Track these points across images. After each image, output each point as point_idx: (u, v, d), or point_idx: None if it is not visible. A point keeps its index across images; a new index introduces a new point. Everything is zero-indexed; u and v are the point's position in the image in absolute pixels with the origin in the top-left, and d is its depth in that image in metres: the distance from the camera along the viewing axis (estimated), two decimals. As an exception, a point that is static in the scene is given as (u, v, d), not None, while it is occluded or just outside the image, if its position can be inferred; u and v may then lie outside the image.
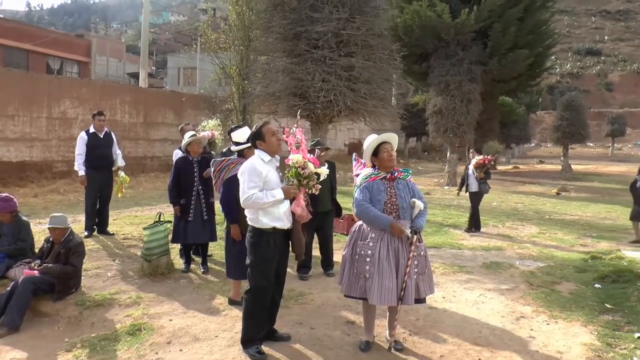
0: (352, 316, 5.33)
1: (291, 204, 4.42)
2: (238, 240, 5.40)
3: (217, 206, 6.10)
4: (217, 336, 4.84)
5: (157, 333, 4.93)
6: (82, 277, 6.18)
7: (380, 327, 4.90)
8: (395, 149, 4.57)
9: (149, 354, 4.52)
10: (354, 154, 5.19)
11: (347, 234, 9.23)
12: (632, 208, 10.26)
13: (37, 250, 6.28)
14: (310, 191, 4.46)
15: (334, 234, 8.61)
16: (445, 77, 21.09)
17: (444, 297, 6.09)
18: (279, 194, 4.29)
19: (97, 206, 8.61)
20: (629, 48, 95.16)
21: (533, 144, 66.68)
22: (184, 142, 6.92)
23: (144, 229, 6.80)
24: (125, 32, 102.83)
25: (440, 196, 17.57)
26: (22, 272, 5.68)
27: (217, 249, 7.69)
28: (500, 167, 35.39)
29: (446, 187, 20.91)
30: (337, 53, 10.72)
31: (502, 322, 5.33)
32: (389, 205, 4.40)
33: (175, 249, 7.52)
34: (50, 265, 5.69)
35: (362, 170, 4.71)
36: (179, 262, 7.17)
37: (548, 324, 5.33)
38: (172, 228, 7.03)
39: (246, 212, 4.47)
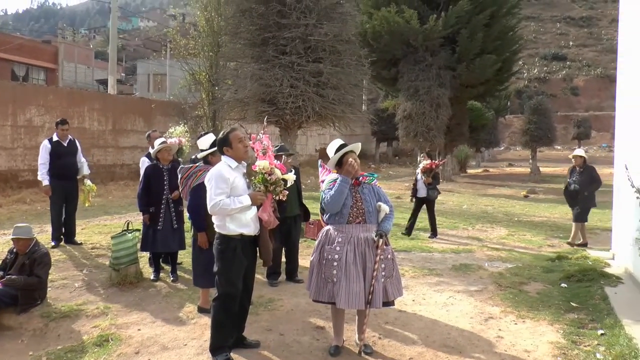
0: (321, 321, 5.33)
1: (258, 210, 4.41)
2: (205, 248, 5.37)
3: (187, 214, 6.05)
4: (186, 345, 4.79)
5: (125, 343, 4.86)
6: (48, 288, 6.06)
7: (350, 331, 4.92)
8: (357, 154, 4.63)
9: (116, 364, 4.44)
10: (319, 161, 5.21)
11: (317, 239, 9.23)
12: (573, 211, 10.22)
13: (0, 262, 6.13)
14: (277, 197, 4.46)
15: (304, 239, 8.62)
16: (414, 82, 21.33)
17: (413, 300, 6.13)
18: (246, 200, 4.28)
19: (64, 216, 8.45)
20: (593, 53, 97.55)
21: (502, 148, 67.73)
22: (154, 149, 6.85)
23: (112, 237, 6.70)
24: (94, 38, 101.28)
25: (435, 199, 17.62)
26: (-16, 284, 5.54)
27: (186, 257, 7.61)
28: (470, 171, 35.90)
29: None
30: (305, 59, 10.73)
31: (470, 324, 5.39)
32: (355, 209, 4.44)
33: (144, 257, 7.43)
34: (13, 276, 5.57)
35: (327, 176, 4.74)
36: (148, 271, 7.09)
37: (516, 323, 5.42)
38: (140, 236, 6.94)
39: (213, 219, 4.44)
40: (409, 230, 10.55)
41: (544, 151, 38.17)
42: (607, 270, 7.48)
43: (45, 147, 8.26)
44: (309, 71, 10.70)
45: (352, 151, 4.58)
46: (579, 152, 10.30)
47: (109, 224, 10.59)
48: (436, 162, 10.86)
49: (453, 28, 20.67)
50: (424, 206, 10.67)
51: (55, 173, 8.22)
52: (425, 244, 9.79)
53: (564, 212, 14.81)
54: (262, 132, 4.56)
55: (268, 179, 4.39)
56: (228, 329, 4.42)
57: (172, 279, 6.83)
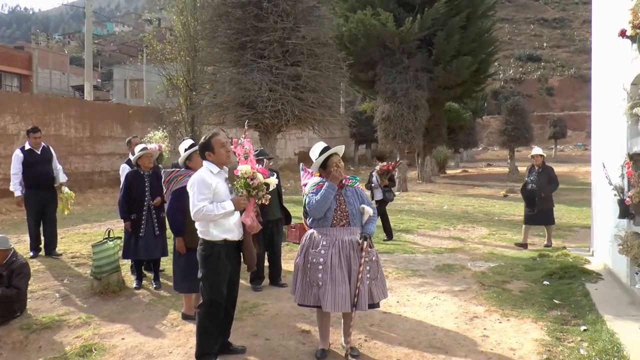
0: (306, 325, 5.31)
1: (241, 214, 4.37)
2: (183, 252, 5.34)
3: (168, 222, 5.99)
4: (171, 352, 4.74)
5: (109, 353, 4.79)
6: (28, 300, 5.94)
7: (336, 334, 4.90)
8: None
9: (100, 374, 4.37)
10: (300, 164, 5.20)
11: (299, 243, 9.18)
12: (524, 211, 10.01)
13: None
14: (260, 201, 4.44)
15: (286, 243, 8.60)
16: (392, 84, 21.41)
17: (398, 302, 6.14)
18: (229, 206, 4.26)
19: (43, 225, 8.22)
20: (566, 54, 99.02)
21: (480, 148, 68.36)
22: (134, 155, 6.77)
23: (93, 246, 6.59)
24: (68, 43, 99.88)
25: (391, 202, 17.70)
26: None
27: (169, 264, 7.50)
28: (449, 171, 36.17)
29: (397, 193, 21.14)
30: (283, 62, 10.71)
31: (456, 323, 5.42)
32: (339, 212, 4.44)
33: (126, 265, 7.33)
34: (-9, 288, 5.44)
35: (309, 180, 4.73)
36: (130, 279, 7.00)
37: (500, 322, 5.46)
38: (122, 244, 6.84)
39: (196, 225, 4.40)
40: (389, 235, 10.52)
41: (522, 151, 38.55)
42: (587, 267, 7.60)
43: (17, 156, 8.02)
44: (288, 75, 10.68)
45: (336, 153, 4.57)
46: (538, 150, 10.09)
47: (88, 232, 10.44)
48: (392, 164, 10.85)
49: (429, 30, 20.81)
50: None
51: (30, 182, 7.97)
52: (407, 244, 9.82)
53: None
54: (243, 136, 4.54)
55: (250, 183, 4.37)
56: (214, 336, 4.38)
57: (154, 286, 6.76)
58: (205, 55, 13.13)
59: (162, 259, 7.15)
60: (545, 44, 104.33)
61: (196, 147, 5.23)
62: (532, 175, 9.90)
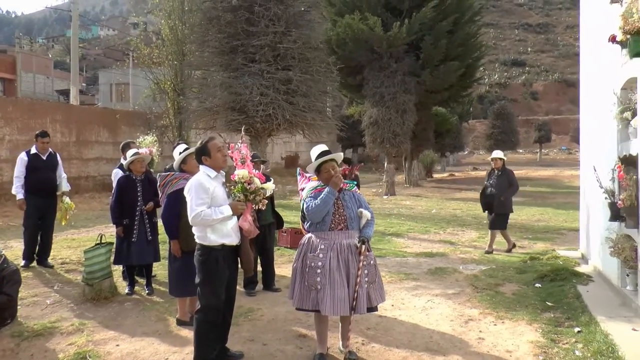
0: (303, 330, 5.30)
1: (238, 219, 4.36)
2: (178, 256, 5.32)
3: (161, 224, 5.94)
4: (167, 359, 4.69)
5: (103, 360, 4.72)
6: (18, 307, 5.84)
7: (333, 338, 4.89)
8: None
9: (96, 382, 4.32)
10: (297, 169, 5.20)
11: (290, 247, 9.19)
12: (490, 217, 9.62)
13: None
14: (257, 206, 4.43)
15: (277, 247, 8.59)
16: (379, 88, 21.49)
17: (392, 305, 6.15)
18: (227, 211, 4.25)
19: (40, 232, 7.95)
20: (550, 59, 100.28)
21: (466, 152, 68.76)
22: (127, 160, 6.72)
23: (84, 251, 6.51)
24: (52, 47, 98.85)
25: (380, 205, 17.83)
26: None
27: (161, 269, 7.47)
28: (436, 175, 36.35)
29: (385, 197, 21.25)
30: (274, 66, 10.74)
31: (451, 326, 5.44)
32: (337, 216, 4.44)
33: (118, 271, 7.26)
34: (-18, 295, 5.35)
35: (307, 184, 4.73)
36: (122, 285, 6.93)
37: (495, 324, 5.49)
38: (114, 249, 6.77)
39: (194, 230, 4.38)
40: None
41: (508, 154, 38.98)
42: (578, 269, 7.68)
43: (21, 159, 7.79)
44: (279, 79, 10.70)
45: (333, 160, 4.58)
46: (498, 154, 9.77)
47: (77, 238, 10.34)
48: (350, 167, 10.80)
49: (417, 35, 20.93)
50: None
51: (32, 188, 7.72)
52: (399, 248, 9.85)
53: (530, 214, 15.15)
54: (240, 141, 4.54)
55: (247, 188, 4.36)
56: (212, 341, 4.35)
57: (147, 292, 6.70)
58: (194, 59, 13.16)
59: (154, 264, 7.10)
60: (529, 49, 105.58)
61: (191, 150, 5.22)
62: (492, 179, 9.57)
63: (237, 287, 6.28)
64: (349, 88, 24.90)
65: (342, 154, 4.80)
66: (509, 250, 9.47)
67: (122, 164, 7.13)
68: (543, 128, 55.90)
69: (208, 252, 4.29)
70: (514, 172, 10.03)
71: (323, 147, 4.67)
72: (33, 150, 7.93)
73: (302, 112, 10.93)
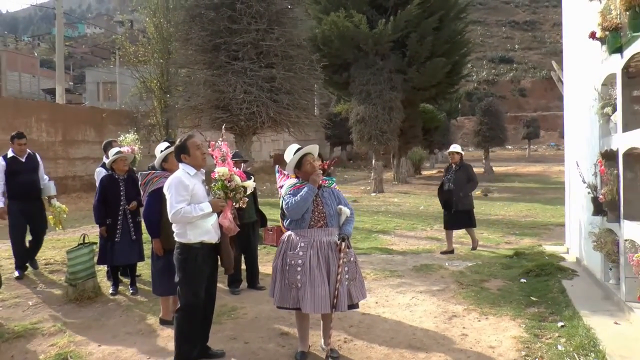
0: (286, 328, 5.27)
1: (219, 217, 4.31)
2: (160, 254, 5.29)
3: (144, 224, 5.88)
4: (149, 358, 4.65)
5: (84, 360, 4.66)
6: (0, 308, 5.77)
7: (315, 336, 4.88)
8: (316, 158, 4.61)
9: (75, 383, 4.26)
10: (276, 167, 5.17)
11: (275, 245, 9.12)
12: (444, 216, 9.35)
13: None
14: (237, 204, 4.39)
15: (263, 245, 8.53)
16: (366, 86, 21.46)
17: (376, 302, 6.13)
18: (207, 208, 4.22)
19: (32, 235, 7.62)
20: (537, 56, 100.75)
21: (455, 149, 68.93)
22: (109, 159, 6.64)
23: (67, 252, 6.43)
24: (38, 45, 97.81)
25: (368, 203, 17.83)
26: None
27: (145, 269, 7.40)
28: (425, 172, 36.42)
29: (373, 194, 21.24)
30: (257, 64, 10.67)
31: (435, 323, 5.43)
32: (316, 213, 4.42)
33: (102, 271, 7.18)
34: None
35: (285, 182, 4.69)
36: (106, 285, 6.87)
37: (479, 320, 5.49)
38: (97, 250, 6.69)
39: (173, 227, 4.34)
40: None
41: (496, 151, 39.16)
42: (563, 264, 7.71)
43: None
44: (262, 76, 10.64)
45: (310, 153, 4.54)
46: (455, 147, 9.29)
47: (62, 238, 10.23)
48: (326, 162, 10.75)
49: (402, 32, 20.93)
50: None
51: (14, 193, 7.23)
52: (385, 245, 9.83)
53: (518, 210, 15.21)
54: (220, 139, 4.49)
55: (228, 185, 4.32)
56: (193, 340, 4.32)
57: (131, 291, 6.64)
58: (178, 57, 13.05)
59: (139, 263, 7.04)
60: (516, 46, 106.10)
61: (172, 149, 5.15)
62: (450, 174, 9.20)
63: (221, 285, 6.28)
64: (336, 86, 24.87)
65: (317, 146, 4.74)
66: (474, 248, 9.28)
67: (105, 163, 7.04)
68: (531, 124, 56.17)
69: (187, 250, 4.25)
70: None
71: (296, 146, 4.65)
72: (10, 154, 7.44)
73: (286, 110, 10.88)
